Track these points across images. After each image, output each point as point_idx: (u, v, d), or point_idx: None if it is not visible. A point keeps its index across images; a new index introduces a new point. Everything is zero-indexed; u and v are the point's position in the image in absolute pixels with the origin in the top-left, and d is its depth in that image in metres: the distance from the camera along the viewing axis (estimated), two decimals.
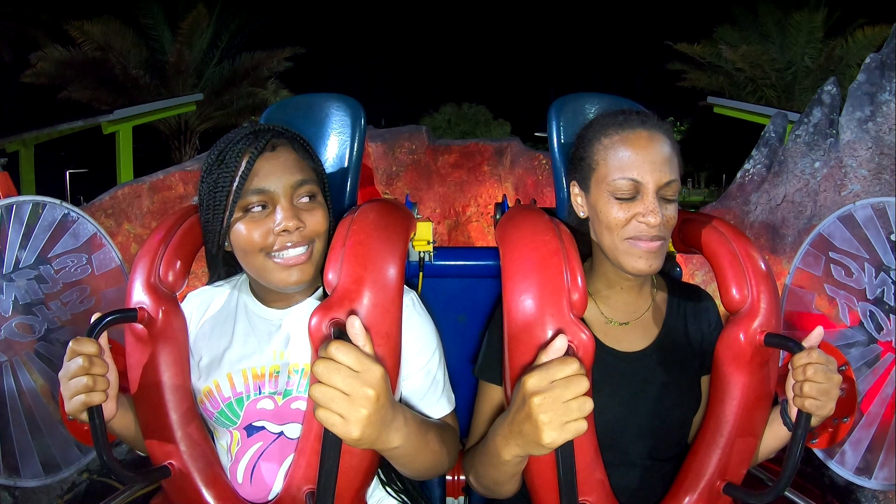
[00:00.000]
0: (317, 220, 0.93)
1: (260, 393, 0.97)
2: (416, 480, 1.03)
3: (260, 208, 0.91)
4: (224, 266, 1.08)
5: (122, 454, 2.21)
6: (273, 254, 0.91)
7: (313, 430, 0.88)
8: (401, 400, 0.96)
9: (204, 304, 1.06)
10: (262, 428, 0.97)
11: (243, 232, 0.91)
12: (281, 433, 0.97)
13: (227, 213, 0.92)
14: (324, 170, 1.03)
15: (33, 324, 1.57)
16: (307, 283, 0.94)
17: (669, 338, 1.05)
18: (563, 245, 0.89)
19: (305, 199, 0.93)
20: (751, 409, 0.96)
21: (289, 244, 0.91)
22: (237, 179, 0.90)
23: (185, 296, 1.09)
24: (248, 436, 0.98)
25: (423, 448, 0.87)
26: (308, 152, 0.99)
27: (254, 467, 0.97)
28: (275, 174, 0.91)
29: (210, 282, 1.10)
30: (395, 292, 0.87)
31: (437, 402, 0.98)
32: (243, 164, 0.90)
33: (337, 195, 1.15)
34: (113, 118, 9.26)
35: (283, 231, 0.90)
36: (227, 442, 0.99)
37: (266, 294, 1.01)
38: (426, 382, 0.97)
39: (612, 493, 0.93)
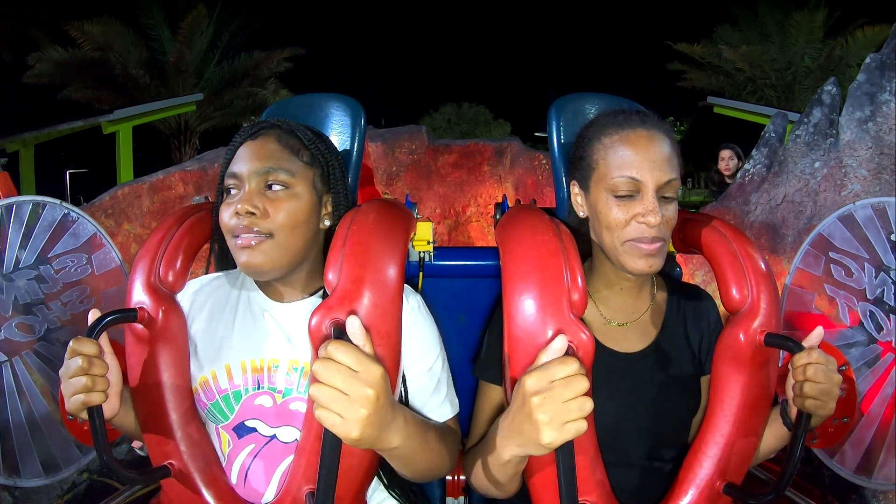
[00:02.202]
0: (276, 209, 0.92)
1: (259, 388, 0.96)
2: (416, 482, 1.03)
3: (233, 191, 0.95)
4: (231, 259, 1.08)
5: (122, 454, 2.21)
6: (234, 234, 0.93)
7: (313, 430, 0.88)
8: (404, 401, 0.96)
9: (204, 291, 1.06)
10: (254, 430, 0.97)
11: (221, 216, 0.96)
12: (273, 436, 0.96)
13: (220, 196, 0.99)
14: (329, 164, 1.01)
15: (33, 324, 1.57)
16: (269, 270, 0.93)
17: (669, 338, 1.05)
18: (563, 245, 0.89)
19: (276, 188, 0.94)
20: (751, 409, 0.96)
21: (242, 225, 0.92)
22: (225, 165, 0.97)
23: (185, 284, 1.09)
24: (239, 437, 0.97)
25: (423, 448, 0.87)
26: (303, 143, 0.98)
27: (248, 469, 0.97)
28: (246, 159, 0.94)
29: (217, 271, 1.11)
30: (395, 292, 0.87)
31: (440, 405, 0.98)
32: (232, 151, 0.97)
33: None
34: (113, 118, 9.25)
35: (235, 213, 0.92)
36: (216, 442, 0.99)
37: (267, 287, 1.01)
38: (430, 386, 0.97)
39: (612, 493, 0.93)
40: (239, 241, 0.92)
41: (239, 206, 0.91)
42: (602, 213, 0.96)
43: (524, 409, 0.74)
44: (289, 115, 1.23)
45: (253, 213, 0.91)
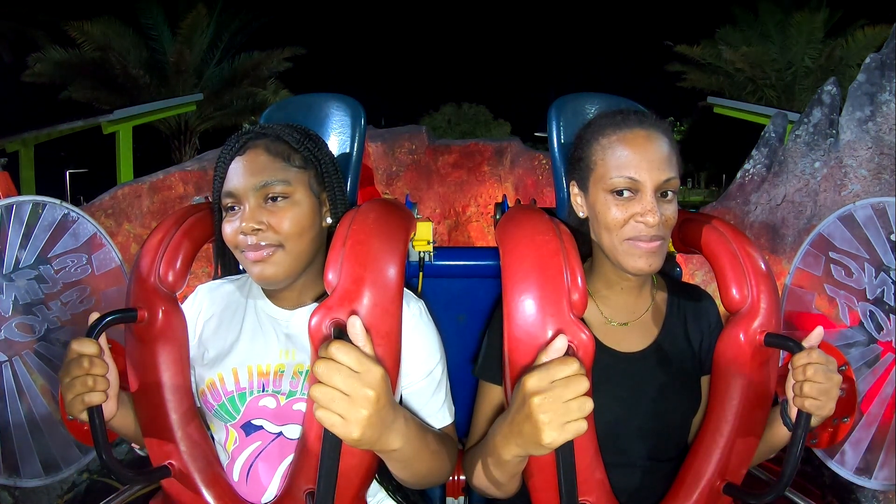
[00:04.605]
0: (280, 220, 0.93)
1: (263, 391, 0.97)
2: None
3: (233, 209, 0.95)
4: (235, 262, 1.09)
5: (122, 454, 2.21)
6: (242, 251, 0.95)
7: (314, 430, 0.88)
8: (401, 403, 0.96)
9: (213, 297, 1.07)
10: (261, 427, 0.97)
11: (223, 230, 0.96)
12: (280, 433, 0.97)
13: (219, 212, 0.99)
14: (321, 161, 1.01)
15: (33, 324, 1.57)
16: (283, 279, 0.95)
17: (669, 338, 1.05)
18: (563, 245, 0.89)
19: (275, 200, 0.94)
20: (751, 409, 0.96)
21: (250, 242, 0.93)
22: (218, 182, 0.97)
23: (196, 288, 1.10)
24: (247, 435, 0.98)
25: (423, 450, 0.87)
26: (293, 148, 0.98)
27: (250, 467, 0.97)
28: (239, 176, 0.94)
29: (223, 275, 1.12)
30: (396, 292, 0.87)
31: (437, 411, 0.98)
32: (222, 167, 0.97)
33: None
34: (113, 118, 9.26)
35: (241, 233, 0.93)
36: (223, 439, 1.00)
37: (274, 293, 1.02)
38: (428, 392, 0.97)
39: (612, 494, 0.93)
40: (250, 256, 0.93)
41: (243, 224, 0.92)
42: (601, 213, 0.96)
43: (524, 410, 0.74)
44: (288, 115, 1.23)
45: (258, 230, 0.92)
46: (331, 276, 0.85)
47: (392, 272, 0.87)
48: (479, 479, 0.95)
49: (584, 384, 0.72)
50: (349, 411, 0.70)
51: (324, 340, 0.80)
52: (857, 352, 1.54)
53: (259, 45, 13.52)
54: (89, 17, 11.71)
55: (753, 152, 3.11)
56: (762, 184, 2.96)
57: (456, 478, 1.30)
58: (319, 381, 0.71)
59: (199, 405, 1.02)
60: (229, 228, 0.95)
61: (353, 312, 0.81)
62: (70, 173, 16.43)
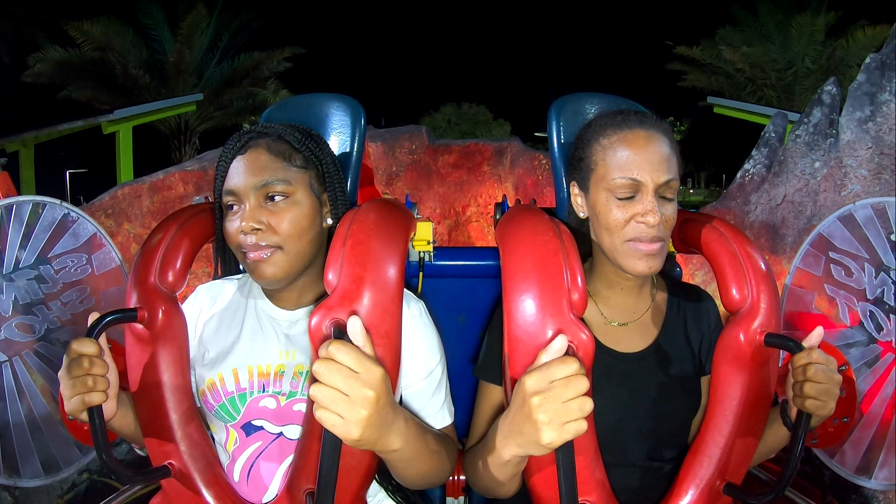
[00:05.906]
0: (280, 220, 0.93)
1: (263, 391, 0.97)
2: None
3: (234, 207, 0.95)
4: (235, 262, 1.09)
5: (122, 454, 2.21)
6: (242, 250, 0.95)
7: (314, 430, 0.88)
8: (401, 403, 0.96)
9: (213, 297, 1.07)
10: (261, 428, 0.97)
11: (225, 229, 0.97)
12: (280, 434, 0.97)
13: (220, 211, 1.00)
14: (323, 161, 1.00)
15: (33, 324, 1.57)
16: (282, 279, 0.95)
17: (669, 338, 1.05)
18: (563, 245, 0.89)
19: (276, 199, 0.94)
20: (751, 409, 0.96)
21: (250, 242, 0.93)
22: (219, 181, 0.97)
23: (196, 288, 1.10)
24: (247, 435, 0.98)
25: (423, 451, 0.87)
26: (294, 147, 0.98)
27: (251, 467, 0.97)
28: (240, 175, 0.94)
29: (223, 275, 1.12)
30: (396, 292, 0.87)
31: (437, 412, 0.98)
32: (223, 166, 0.97)
33: None
34: (113, 118, 9.26)
35: (241, 232, 0.93)
36: (223, 439, 1.00)
37: (274, 293, 1.02)
38: (428, 392, 0.97)
39: (612, 494, 0.93)
40: (250, 256, 0.93)
41: (243, 224, 0.92)
42: (602, 213, 0.96)
43: (524, 410, 0.74)
44: (288, 115, 1.23)
45: (258, 229, 0.92)
46: (331, 276, 0.85)
47: (392, 272, 0.87)
48: (479, 479, 0.95)
49: (584, 384, 0.72)
50: (349, 411, 0.70)
51: (324, 340, 0.80)
52: (857, 352, 1.54)
53: (259, 45, 13.56)
54: (89, 17, 11.73)
55: (753, 152, 3.11)
56: (762, 184, 2.96)
57: (456, 478, 1.30)
58: (319, 382, 0.71)
59: (199, 405, 1.02)
60: (231, 228, 0.95)
61: (353, 312, 0.81)
62: (70, 173, 16.45)
